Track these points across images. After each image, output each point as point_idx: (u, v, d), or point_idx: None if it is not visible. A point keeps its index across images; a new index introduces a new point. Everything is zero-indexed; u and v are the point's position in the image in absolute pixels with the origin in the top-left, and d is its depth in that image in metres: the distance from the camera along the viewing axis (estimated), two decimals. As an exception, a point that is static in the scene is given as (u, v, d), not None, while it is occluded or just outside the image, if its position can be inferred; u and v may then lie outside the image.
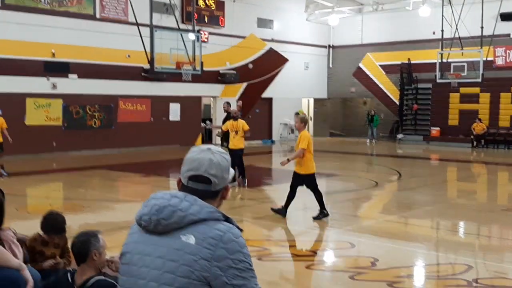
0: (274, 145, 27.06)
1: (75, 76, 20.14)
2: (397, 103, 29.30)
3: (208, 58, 22.97)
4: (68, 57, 19.85)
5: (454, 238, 8.92)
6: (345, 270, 6.64)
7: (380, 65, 30.26)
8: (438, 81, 25.66)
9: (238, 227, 2.04)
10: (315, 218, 9.30)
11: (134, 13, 18.89)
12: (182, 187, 2.11)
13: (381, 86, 30.46)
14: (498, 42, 25.62)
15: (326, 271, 6.87)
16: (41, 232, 4.66)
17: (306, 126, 9.59)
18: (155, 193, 2.12)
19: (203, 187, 2.08)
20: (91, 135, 20.74)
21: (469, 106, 26.43)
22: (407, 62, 28.87)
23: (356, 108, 33.07)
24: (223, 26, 25.23)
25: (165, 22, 20.35)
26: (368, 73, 30.77)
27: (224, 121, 14.00)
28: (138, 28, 18.25)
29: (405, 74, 28.89)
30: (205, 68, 20.91)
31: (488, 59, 24.79)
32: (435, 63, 25.33)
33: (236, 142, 12.73)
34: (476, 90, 26.25)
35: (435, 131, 27.09)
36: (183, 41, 19.31)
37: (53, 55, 19.50)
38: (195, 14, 21.93)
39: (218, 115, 23.13)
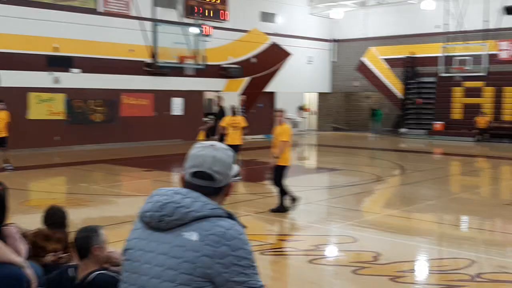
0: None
1: (77, 70, 20.14)
2: (401, 97, 29.23)
3: (211, 52, 22.95)
4: (71, 52, 19.85)
5: (457, 232, 8.90)
6: (348, 265, 6.63)
7: (384, 59, 30.17)
8: (441, 75, 25.60)
9: (241, 224, 2.03)
10: (273, 211, 9.39)
11: (137, 7, 18.86)
12: (185, 183, 2.11)
13: (384, 80, 30.38)
14: (502, 35, 25.51)
15: (329, 265, 6.87)
16: (43, 227, 4.66)
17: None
18: (158, 189, 2.12)
19: (206, 183, 2.07)
20: (94, 130, 20.76)
21: (473, 100, 26.36)
22: (410, 56, 28.77)
23: (360, 103, 33.01)
24: (226, 20, 25.17)
25: (167, 16, 20.33)
26: (371, 67, 30.69)
27: (216, 115, 13.99)
28: (141, 22, 18.22)
29: (409, 68, 28.81)
30: (208, 62, 20.88)
31: (492, 52, 24.71)
32: (439, 57, 25.28)
33: (234, 137, 12.71)
34: (480, 84, 26.18)
35: (438, 125, 27.03)
36: (186, 35, 19.29)
37: (56, 49, 19.49)
38: (198, 8, 21.88)
39: (221, 109, 23.11)
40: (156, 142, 22.16)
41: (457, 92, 27.12)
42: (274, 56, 27.56)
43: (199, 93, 24.38)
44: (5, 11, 18.12)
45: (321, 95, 32.13)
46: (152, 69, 21.01)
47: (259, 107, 27.06)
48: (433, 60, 27.00)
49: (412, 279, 6.32)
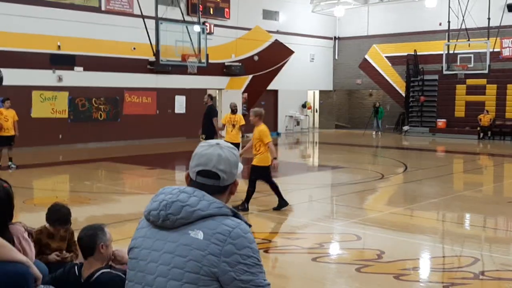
0: (279, 137, 27.03)
1: (80, 68, 20.17)
2: (403, 94, 29.19)
3: (213, 50, 22.91)
4: (74, 50, 19.86)
5: (460, 230, 8.90)
6: (351, 263, 6.63)
7: (386, 57, 30.11)
8: (444, 72, 25.52)
9: (246, 223, 2.04)
10: (275, 209, 9.39)
11: (139, 5, 18.85)
12: (190, 182, 2.11)
13: (387, 77, 30.32)
14: (505, 33, 25.44)
15: (332, 263, 6.87)
16: (47, 225, 4.68)
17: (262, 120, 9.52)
18: (164, 188, 2.12)
19: (211, 182, 2.07)
20: (97, 128, 20.79)
21: (476, 97, 26.30)
22: (413, 53, 28.72)
23: (362, 100, 32.97)
24: (229, 18, 25.15)
25: (170, 14, 20.28)
26: (374, 64, 30.63)
27: (205, 115, 13.84)
28: (144, 20, 18.21)
29: (412, 65, 28.75)
30: (210, 61, 20.84)
31: (495, 50, 24.63)
32: (442, 54, 25.19)
33: (233, 135, 12.70)
34: (483, 81, 26.12)
35: (441, 123, 26.98)
36: (189, 33, 19.25)
37: (59, 47, 19.52)
38: (200, 6, 21.87)
39: (224, 108, 23.12)
40: (159, 140, 22.19)
41: (460, 89, 27.08)
42: (277, 54, 27.53)
43: (202, 91, 24.34)
44: (8, 9, 18.14)
45: (324, 92, 32.11)
46: (155, 67, 21.00)
47: (261, 105, 27.02)
48: (435, 58, 26.93)
49: (416, 277, 6.32)
